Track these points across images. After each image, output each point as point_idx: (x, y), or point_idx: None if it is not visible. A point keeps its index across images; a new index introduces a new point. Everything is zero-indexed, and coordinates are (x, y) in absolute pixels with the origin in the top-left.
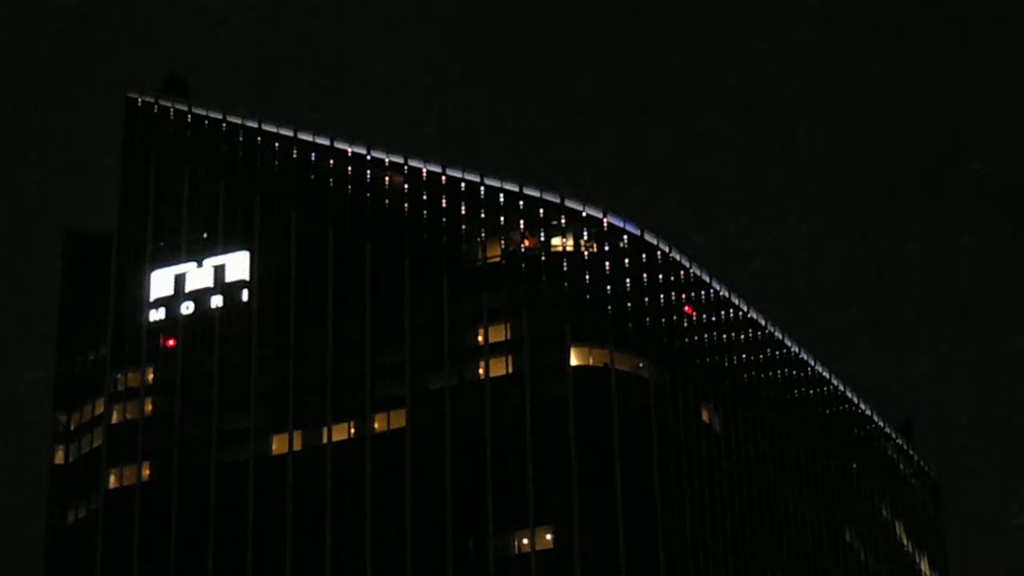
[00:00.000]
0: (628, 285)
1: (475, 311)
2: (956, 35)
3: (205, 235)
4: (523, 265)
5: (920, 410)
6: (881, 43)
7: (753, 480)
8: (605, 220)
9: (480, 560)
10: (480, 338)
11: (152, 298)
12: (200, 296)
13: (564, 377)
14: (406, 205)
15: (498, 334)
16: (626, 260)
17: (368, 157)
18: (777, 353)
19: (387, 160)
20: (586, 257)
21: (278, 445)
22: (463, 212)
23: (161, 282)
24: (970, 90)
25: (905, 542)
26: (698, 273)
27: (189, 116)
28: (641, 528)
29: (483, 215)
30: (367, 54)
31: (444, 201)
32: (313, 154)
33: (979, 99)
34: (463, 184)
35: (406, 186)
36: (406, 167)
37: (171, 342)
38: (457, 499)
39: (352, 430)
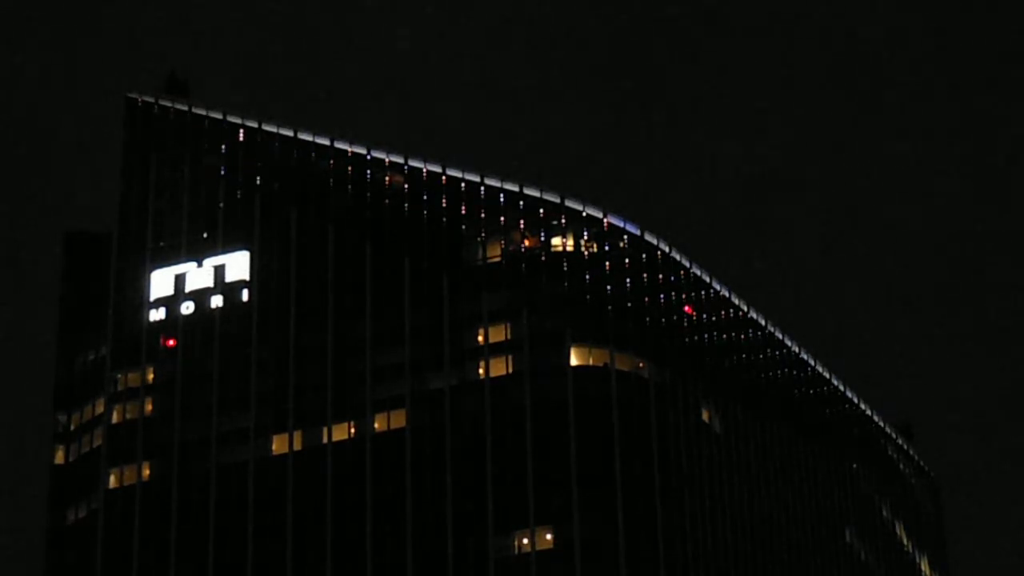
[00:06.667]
0: (628, 285)
1: (475, 311)
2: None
3: (205, 235)
4: (523, 265)
5: (920, 410)
6: (880, 46)
7: (753, 480)
8: (605, 220)
9: (480, 560)
10: (480, 338)
11: (152, 298)
12: (200, 296)
13: (564, 377)
14: (406, 205)
15: (498, 334)
16: (626, 260)
17: (368, 157)
18: (777, 353)
19: (387, 160)
20: (586, 257)
21: (278, 445)
22: (463, 212)
23: (161, 282)
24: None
25: (905, 542)
26: (698, 273)
27: (189, 116)
28: (641, 528)
29: (483, 215)
30: (367, 54)
31: (444, 201)
32: (313, 154)
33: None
34: (463, 184)
35: (406, 186)
36: (406, 167)
37: (171, 342)
38: (457, 499)
39: (352, 430)
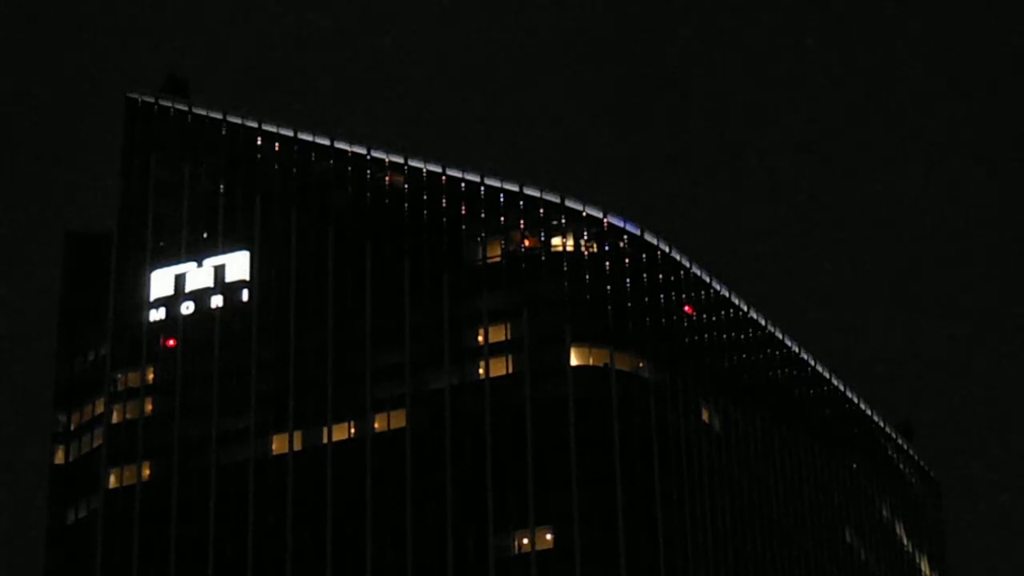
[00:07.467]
0: (628, 285)
1: (475, 311)
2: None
3: (205, 235)
4: (523, 265)
5: (920, 410)
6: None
7: (753, 480)
8: (605, 220)
9: (480, 560)
10: (480, 338)
11: (152, 298)
12: (200, 296)
13: (564, 377)
14: (406, 205)
15: (498, 334)
16: (626, 260)
17: (368, 157)
18: (777, 353)
19: (387, 160)
20: (586, 257)
21: (278, 445)
22: (463, 212)
23: (161, 282)
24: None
25: (905, 542)
26: (698, 273)
27: (189, 116)
28: (641, 528)
29: (483, 215)
30: (367, 54)
31: (444, 201)
32: (313, 154)
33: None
34: (463, 184)
35: (406, 186)
36: (406, 167)
37: (171, 342)
38: (457, 499)
39: (352, 430)
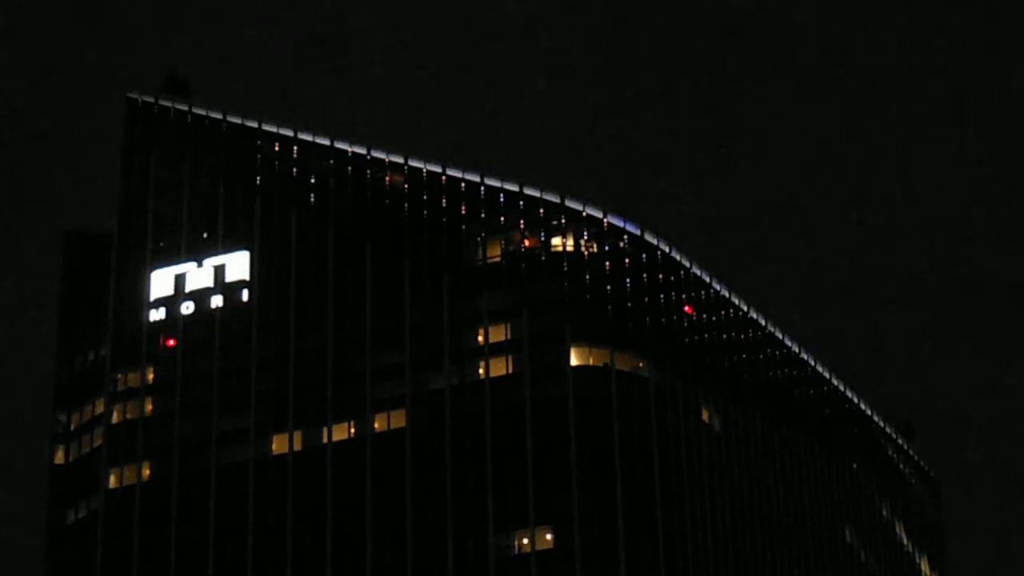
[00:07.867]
0: (628, 285)
1: (475, 311)
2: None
3: (205, 235)
4: (523, 265)
5: (920, 410)
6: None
7: (753, 480)
8: (605, 220)
9: (480, 560)
10: (480, 338)
11: (152, 298)
12: (200, 296)
13: (564, 377)
14: (406, 205)
15: (498, 334)
16: (626, 260)
17: (368, 157)
18: (777, 353)
19: (387, 160)
20: (586, 257)
21: (278, 445)
22: (463, 212)
23: (161, 282)
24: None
25: (905, 542)
26: (698, 273)
27: (189, 116)
28: (641, 528)
29: (483, 215)
30: (367, 53)
31: (444, 201)
32: (313, 154)
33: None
34: (463, 184)
35: (406, 186)
36: (406, 167)
37: (171, 342)
38: (457, 499)
39: (352, 430)
